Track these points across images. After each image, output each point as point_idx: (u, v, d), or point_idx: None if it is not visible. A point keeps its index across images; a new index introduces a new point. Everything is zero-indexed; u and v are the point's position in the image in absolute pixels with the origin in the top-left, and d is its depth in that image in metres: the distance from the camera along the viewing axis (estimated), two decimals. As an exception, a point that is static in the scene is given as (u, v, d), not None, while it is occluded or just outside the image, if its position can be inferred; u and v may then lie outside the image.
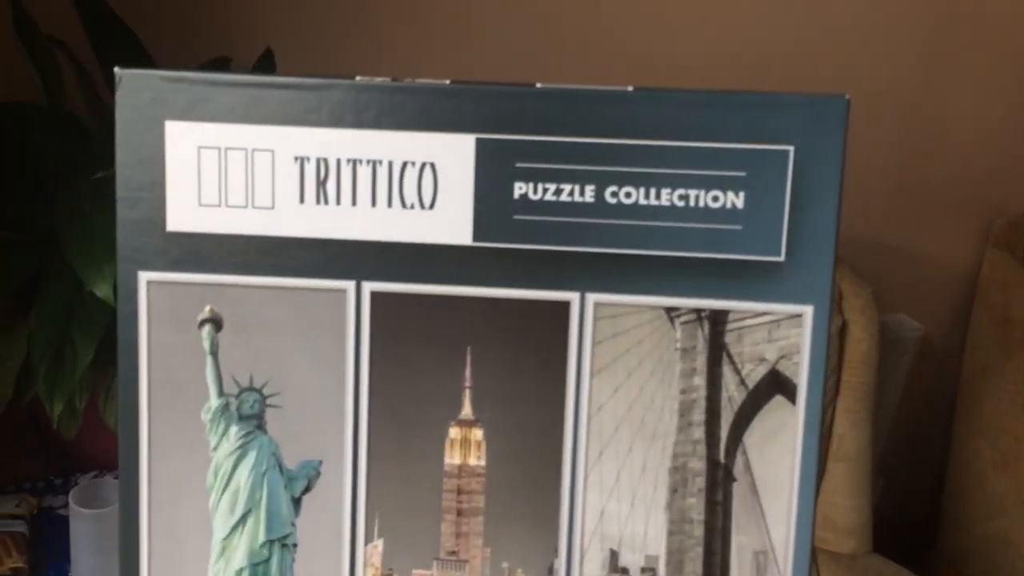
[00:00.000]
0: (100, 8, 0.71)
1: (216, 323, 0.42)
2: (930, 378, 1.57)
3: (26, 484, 0.75)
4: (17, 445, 0.78)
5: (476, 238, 0.41)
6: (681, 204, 0.40)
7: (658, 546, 0.42)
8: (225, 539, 0.44)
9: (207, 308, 0.42)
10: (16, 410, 0.70)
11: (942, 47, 1.32)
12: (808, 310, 0.40)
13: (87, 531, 0.60)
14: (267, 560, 0.44)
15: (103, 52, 0.70)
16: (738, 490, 0.42)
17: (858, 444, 1.17)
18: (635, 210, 0.40)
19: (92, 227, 0.61)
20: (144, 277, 0.42)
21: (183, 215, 0.41)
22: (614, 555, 0.43)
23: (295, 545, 0.44)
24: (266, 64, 0.75)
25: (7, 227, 0.70)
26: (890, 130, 1.34)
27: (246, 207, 0.41)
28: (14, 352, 0.67)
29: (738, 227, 0.40)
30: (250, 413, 0.43)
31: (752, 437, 0.41)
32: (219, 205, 0.41)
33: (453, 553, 0.43)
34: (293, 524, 0.44)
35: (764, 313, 0.40)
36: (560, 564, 0.43)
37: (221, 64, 0.76)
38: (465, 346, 0.42)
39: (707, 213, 0.40)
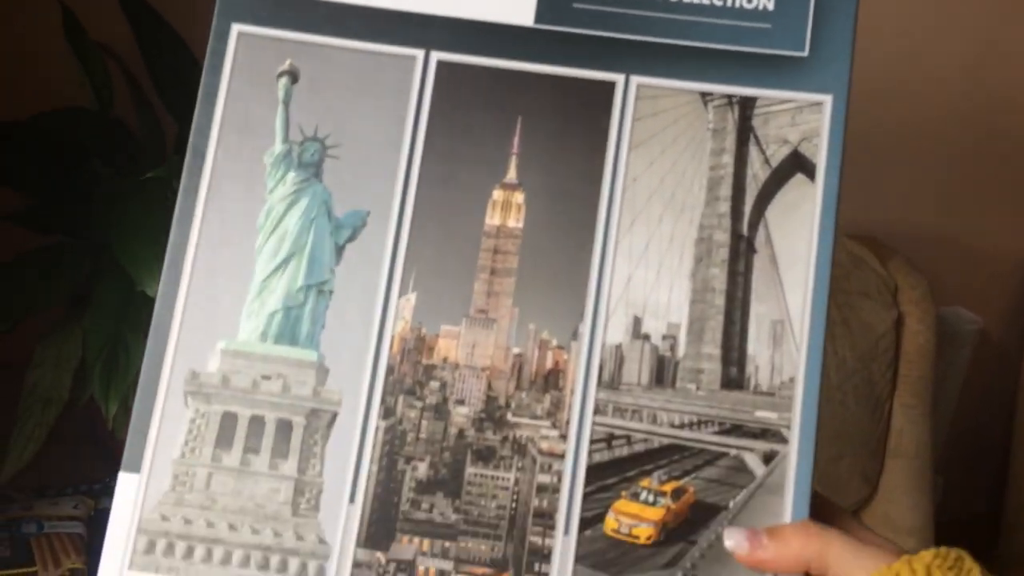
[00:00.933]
0: (147, 13, 0.74)
1: (293, 76, 0.47)
2: (989, 372, 1.50)
3: (82, 486, 0.75)
4: (73, 448, 0.79)
5: (537, 20, 0.46)
6: (719, 3, 0.46)
7: (680, 314, 0.44)
8: (265, 280, 0.46)
9: (287, 62, 0.47)
10: (72, 412, 0.71)
11: (998, 36, 1.30)
12: (828, 99, 0.44)
13: None
14: (302, 304, 0.45)
15: (151, 57, 0.73)
16: (758, 262, 0.44)
17: (917, 440, 1.13)
18: (680, 6, 0.46)
19: (142, 228, 0.63)
20: (236, 28, 0.47)
21: (281, -22, 0.47)
22: (637, 321, 0.44)
23: (331, 292, 0.45)
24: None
25: (60, 231, 0.72)
26: (946, 121, 1.33)
27: (337, -23, 0.47)
28: (69, 354, 0.68)
29: (768, 25, 0.45)
30: (310, 161, 0.46)
31: (773, 211, 0.44)
32: (314, -27, 0.47)
33: (483, 311, 0.45)
34: (332, 271, 0.46)
35: (788, 100, 0.45)
36: (585, 328, 0.44)
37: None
38: (516, 116, 0.46)
39: (741, 12, 0.45)
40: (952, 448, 1.47)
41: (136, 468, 0.44)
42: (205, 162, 0.46)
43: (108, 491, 0.73)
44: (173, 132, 0.75)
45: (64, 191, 0.72)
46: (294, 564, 0.43)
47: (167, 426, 0.44)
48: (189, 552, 0.43)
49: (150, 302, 0.65)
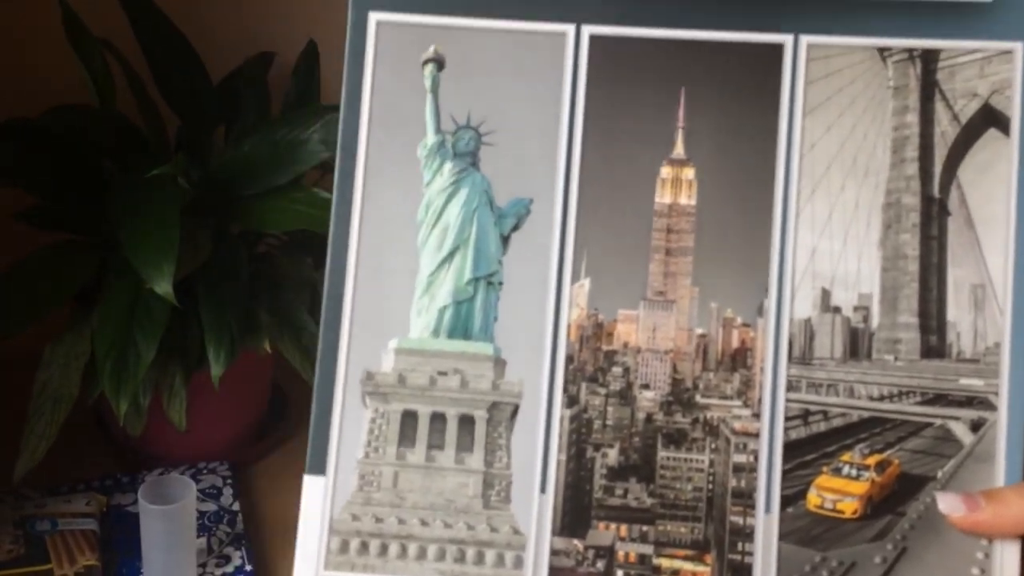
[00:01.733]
0: (147, 8, 0.72)
1: (439, 63, 0.45)
2: None
3: (94, 483, 0.76)
4: (84, 445, 0.80)
5: (695, -17, 0.44)
6: (893, -51, 0.43)
7: (872, 283, 0.42)
8: (431, 275, 0.45)
9: (431, 48, 0.45)
10: (82, 410, 0.71)
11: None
12: (1019, 46, 0.42)
13: (157, 527, 0.60)
14: (472, 298, 0.44)
15: (151, 52, 0.72)
16: (953, 224, 0.42)
17: None
18: (848, -45, 0.43)
19: (150, 225, 0.62)
20: (374, 18, 0.45)
21: (421, -42, 0.45)
22: (826, 293, 0.43)
23: (501, 283, 0.44)
24: (310, 57, 0.78)
25: (70, 230, 0.71)
26: None
27: (480, -48, 0.45)
28: (79, 352, 0.67)
29: (948, -31, 0.42)
30: (465, 150, 0.45)
31: (966, 171, 0.42)
32: (453, -50, 0.45)
33: (660, 293, 0.44)
34: (500, 262, 0.44)
35: (975, 51, 0.42)
36: (771, 303, 0.43)
37: (266, 60, 0.79)
38: (680, 87, 0.44)
39: (918, -43, 0.43)
40: None
41: (322, 470, 0.44)
42: (357, 160, 0.45)
43: (120, 487, 0.75)
44: (175, 127, 0.74)
45: (73, 189, 0.71)
46: (491, 555, 0.43)
47: (348, 427, 0.44)
48: (383, 549, 0.43)
49: (159, 300, 0.64)
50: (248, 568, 0.66)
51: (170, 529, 0.61)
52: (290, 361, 0.68)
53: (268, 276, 0.71)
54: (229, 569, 0.67)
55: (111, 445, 0.80)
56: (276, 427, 0.80)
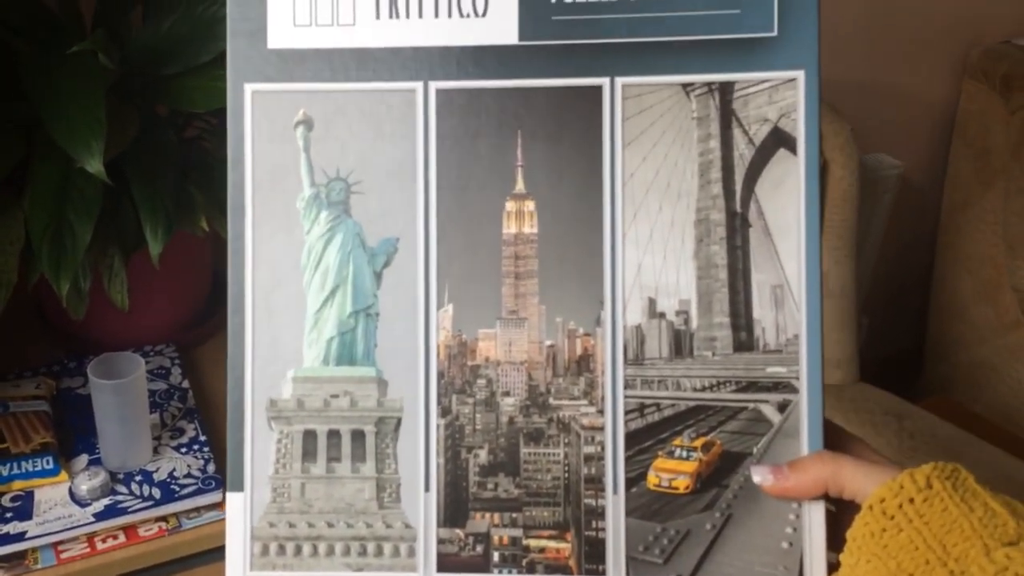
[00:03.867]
0: None
1: (308, 124, 0.51)
2: (911, 216, 1.55)
3: (42, 368, 0.77)
4: (27, 335, 0.79)
5: (521, 38, 0.50)
6: (689, -5, 0.49)
7: (689, 291, 0.49)
8: (317, 312, 0.51)
9: (301, 111, 0.51)
10: (22, 298, 0.69)
11: None
12: (800, 74, 0.48)
13: (109, 401, 0.62)
14: (354, 328, 0.51)
15: None
16: (754, 234, 0.49)
17: (841, 280, 1.20)
18: (652, 3, 0.49)
19: (74, 104, 0.60)
20: (249, 88, 0.51)
21: (281, 34, 0.51)
22: (652, 302, 0.49)
23: (378, 314, 0.51)
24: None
25: None
26: None
27: (332, 25, 0.51)
28: (13, 237, 0.65)
29: (737, 11, 0.48)
30: (337, 200, 0.51)
31: (762, 187, 0.48)
32: (310, 25, 0.51)
33: (513, 312, 0.50)
34: (375, 295, 0.51)
35: (764, 80, 0.48)
36: (606, 314, 0.49)
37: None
38: (516, 129, 0.50)
39: (710, 1, 0.48)
40: (877, 289, 1.52)
41: (240, 487, 0.51)
42: (245, 214, 0.51)
43: (67, 372, 0.76)
44: (91, 7, 0.71)
45: None
46: (388, 548, 0.50)
47: (259, 448, 0.51)
48: (298, 550, 0.51)
49: (90, 179, 0.59)
50: (203, 438, 0.69)
51: (122, 402, 0.63)
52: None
53: (200, 159, 0.69)
54: (184, 440, 0.69)
55: (55, 333, 0.80)
56: (219, 311, 0.79)
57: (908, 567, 0.42)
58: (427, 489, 0.50)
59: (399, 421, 0.51)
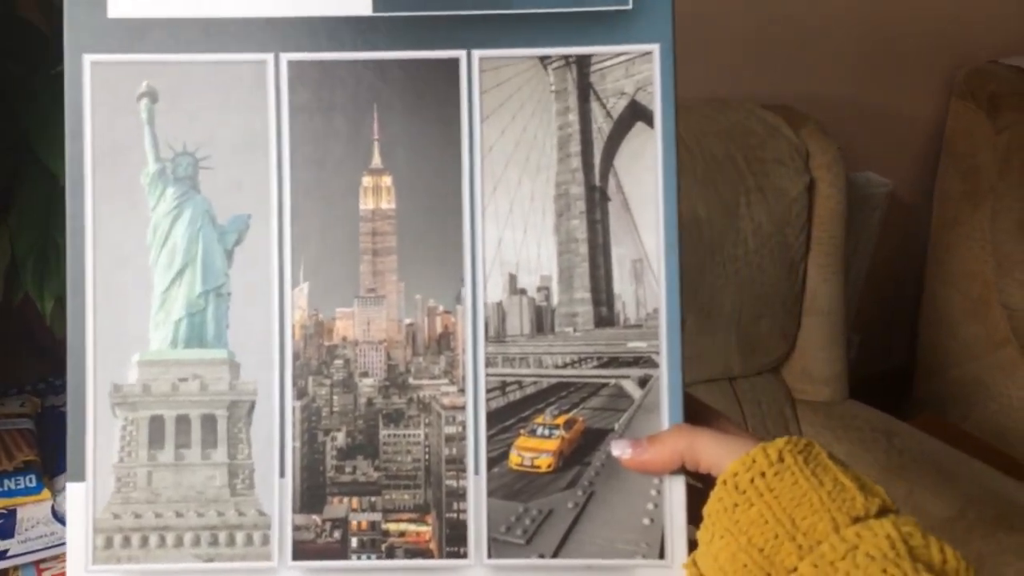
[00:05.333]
0: None
1: (152, 96, 0.49)
2: (900, 234, 1.57)
3: (27, 386, 0.76)
4: (12, 352, 0.79)
5: (376, 8, 0.48)
6: (546, -33, 0.48)
7: (550, 266, 0.48)
8: (165, 291, 0.49)
9: (144, 83, 0.49)
10: (7, 315, 0.70)
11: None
12: (656, 47, 0.48)
13: None
14: (204, 309, 0.49)
15: None
16: (613, 208, 0.48)
17: (830, 298, 1.21)
18: (508, -26, 0.48)
19: (59, 124, 0.62)
20: (88, 59, 0.48)
21: (122, 2, 0.48)
22: (512, 278, 0.48)
23: (229, 294, 0.49)
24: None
25: None
26: None
27: (179, -9, 0.48)
28: None
29: (594, -17, 0.48)
30: (185, 175, 0.49)
31: (621, 160, 0.48)
32: (155, -10, 0.48)
33: (372, 290, 0.49)
34: (227, 275, 0.49)
35: (620, 54, 0.48)
36: (467, 291, 0.48)
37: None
38: (372, 103, 0.49)
39: (568, -27, 0.48)
40: (866, 307, 1.55)
41: (81, 477, 0.48)
42: (85, 190, 0.48)
43: (53, 390, 0.75)
44: None
45: None
46: (240, 537, 0.48)
47: (102, 436, 0.48)
48: (144, 541, 0.48)
49: None
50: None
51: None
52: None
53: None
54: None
55: (40, 351, 0.79)
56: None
57: (758, 542, 0.42)
58: (282, 475, 0.48)
59: (252, 404, 0.48)
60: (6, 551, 0.66)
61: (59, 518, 0.68)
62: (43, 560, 0.67)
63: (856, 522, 0.41)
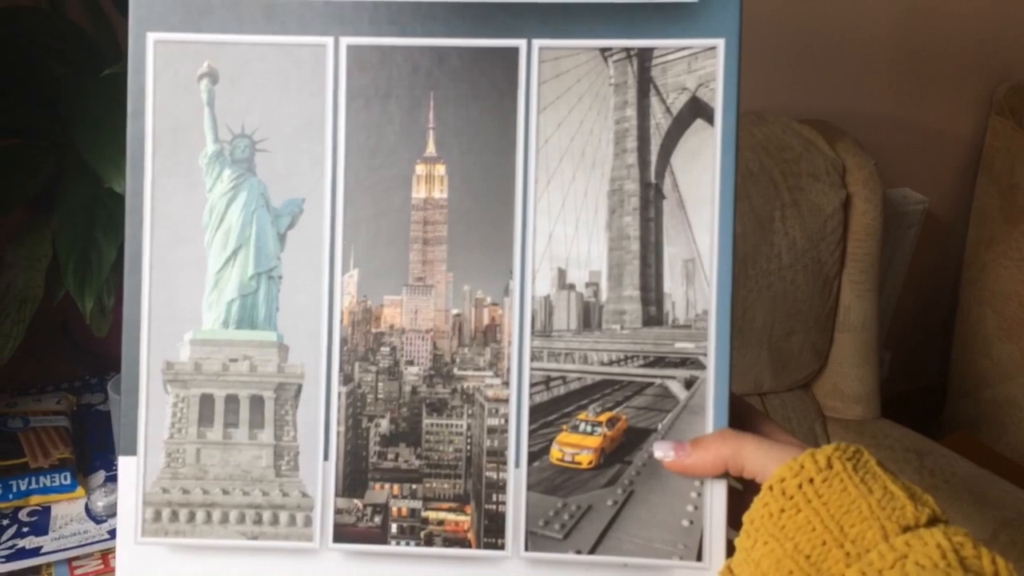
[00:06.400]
0: None
1: (213, 77, 0.49)
2: (935, 251, 1.55)
3: (63, 383, 0.78)
4: (51, 350, 0.81)
5: (437, -6, 0.48)
6: (610, -43, 0.47)
7: (600, 262, 0.48)
8: (218, 272, 0.50)
9: (205, 64, 0.49)
10: (47, 314, 0.72)
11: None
12: (721, 43, 0.47)
13: None
14: (255, 291, 0.50)
15: None
16: (667, 206, 0.47)
17: (863, 314, 1.19)
18: (571, -36, 0.47)
19: (105, 125, 0.64)
20: (152, 37, 0.49)
21: (188, -19, 0.48)
22: (562, 273, 0.48)
23: (280, 277, 0.49)
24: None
25: (22, 135, 0.72)
26: (892, 2, 1.34)
27: (241, -27, 0.48)
28: (40, 254, 0.68)
29: (659, -25, 0.47)
30: (241, 157, 0.49)
31: (678, 158, 0.47)
32: (218, -28, 0.48)
33: (420, 279, 0.49)
34: (279, 258, 0.49)
35: (683, 48, 0.47)
36: (515, 284, 0.48)
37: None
38: (429, 91, 0.48)
39: (632, -36, 0.47)
40: (900, 324, 1.52)
41: (133, 451, 0.49)
42: (145, 169, 0.49)
43: (88, 388, 0.77)
44: (124, 29, 0.75)
45: (24, 94, 0.70)
46: (284, 517, 0.49)
47: (153, 412, 0.49)
48: (191, 517, 0.49)
49: (119, 199, 0.61)
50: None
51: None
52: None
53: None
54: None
55: (78, 350, 0.81)
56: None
57: (805, 548, 0.41)
58: (326, 458, 0.49)
59: (299, 388, 0.49)
60: (40, 548, 0.67)
61: (92, 516, 0.69)
62: (76, 558, 0.68)
63: (906, 531, 0.40)
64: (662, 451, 0.46)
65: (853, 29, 1.33)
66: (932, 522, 0.41)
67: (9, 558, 0.67)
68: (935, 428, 1.51)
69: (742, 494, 0.47)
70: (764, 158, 1.15)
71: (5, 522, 0.69)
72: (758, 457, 0.44)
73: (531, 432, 0.48)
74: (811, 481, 0.42)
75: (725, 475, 0.46)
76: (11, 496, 0.69)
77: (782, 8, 1.27)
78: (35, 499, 0.69)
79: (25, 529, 0.69)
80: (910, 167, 1.43)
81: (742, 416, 0.48)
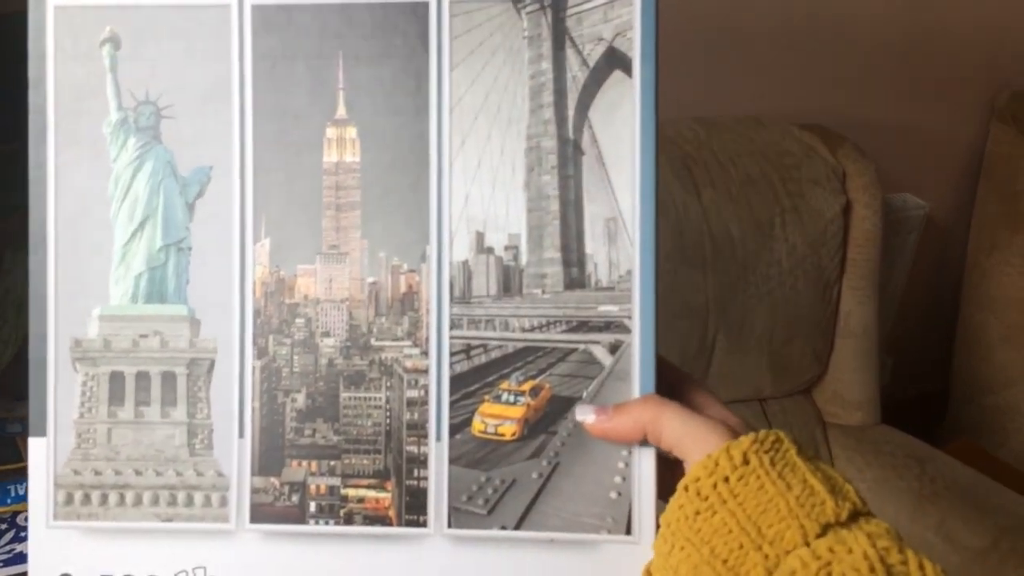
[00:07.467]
0: None
1: (115, 42, 0.47)
2: (936, 257, 1.54)
3: None
4: None
5: (343, -51, 0.46)
6: (521, -96, 0.45)
7: (519, 224, 0.46)
8: (125, 245, 0.48)
9: (107, 28, 0.47)
10: None
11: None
12: (638, -10, 0.45)
13: None
14: (164, 264, 0.48)
15: None
16: (587, 163, 0.45)
17: (864, 320, 1.18)
18: (481, -87, 0.45)
19: None
20: (52, 3, 0.47)
21: (85, -58, 0.47)
22: (480, 236, 0.46)
23: (190, 248, 0.47)
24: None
25: (22, 139, 0.72)
26: (892, 6, 1.33)
27: (140, -68, 0.47)
28: None
29: (572, -79, 0.45)
30: (146, 125, 0.47)
31: (596, 112, 0.45)
32: (117, -68, 0.47)
33: (334, 247, 0.47)
34: (187, 229, 0.48)
35: (600, -3, 0.45)
36: (432, 249, 0.46)
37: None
38: (337, 51, 0.46)
39: (544, -89, 0.45)
40: (900, 330, 1.50)
41: (43, 432, 0.48)
42: (48, 139, 0.47)
43: None
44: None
45: (24, 97, 0.69)
46: (199, 497, 0.47)
47: (62, 391, 0.47)
48: (104, 499, 0.47)
49: None
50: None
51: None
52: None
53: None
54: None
55: None
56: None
57: (722, 552, 0.38)
58: (241, 435, 0.47)
59: (212, 363, 0.47)
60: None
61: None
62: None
63: (826, 529, 0.38)
64: (583, 414, 0.44)
65: (854, 35, 1.31)
66: (853, 516, 0.38)
67: (7, 563, 0.67)
68: (937, 435, 1.48)
69: (673, 464, 0.44)
70: (764, 164, 1.13)
71: (3, 527, 0.70)
72: (676, 427, 0.42)
73: (452, 403, 0.46)
74: (726, 480, 0.39)
75: (647, 442, 0.44)
76: (9, 501, 0.71)
77: (782, 12, 1.26)
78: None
79: (23, 534, 0.69)
80: (911, 173, 1.42)
81: (675, 384, 0.46)
